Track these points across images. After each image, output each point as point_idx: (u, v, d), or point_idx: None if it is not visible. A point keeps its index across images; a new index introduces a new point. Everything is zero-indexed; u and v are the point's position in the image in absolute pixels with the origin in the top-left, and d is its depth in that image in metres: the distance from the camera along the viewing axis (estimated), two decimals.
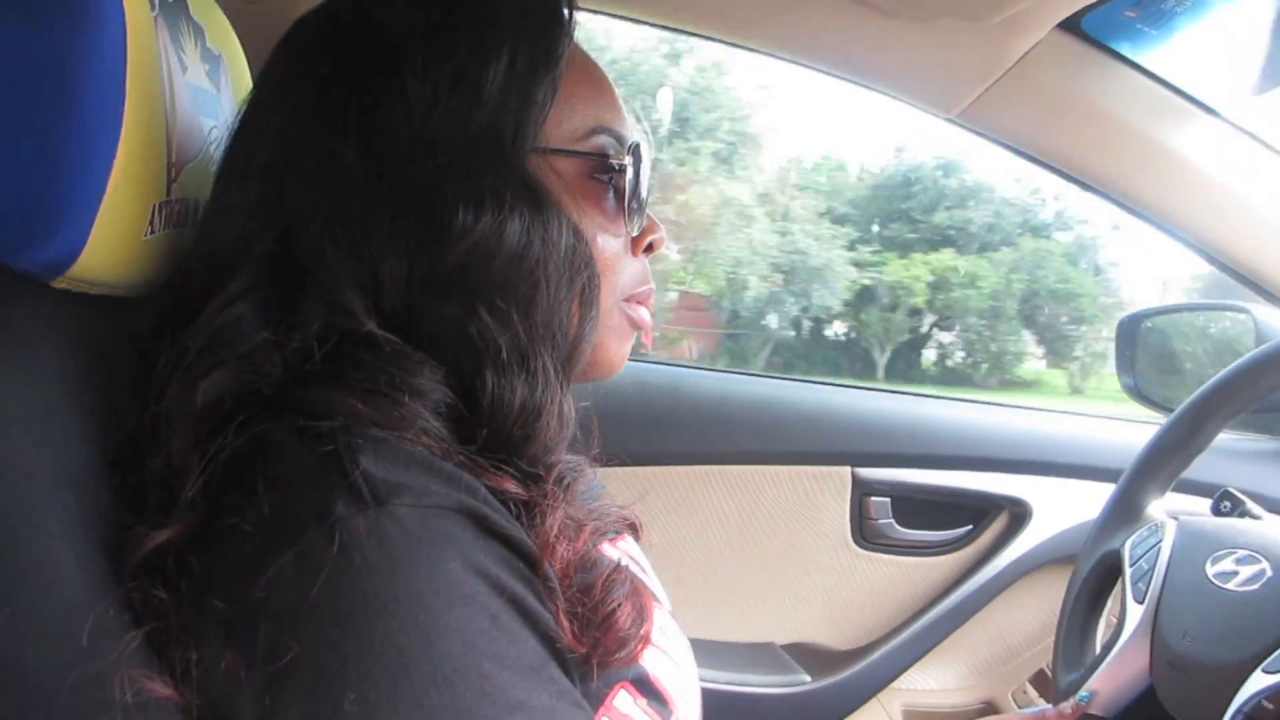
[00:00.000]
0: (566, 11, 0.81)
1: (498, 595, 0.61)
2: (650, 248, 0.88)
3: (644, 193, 0.83)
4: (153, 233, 0.76)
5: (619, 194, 0.82)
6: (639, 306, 0.87)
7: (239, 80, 0.96)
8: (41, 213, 0.66)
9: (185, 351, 0.69)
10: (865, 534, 1.93)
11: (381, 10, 0.78)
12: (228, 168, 0.78)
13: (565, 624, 0.67)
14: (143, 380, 0.70)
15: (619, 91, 0.86)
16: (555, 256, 0.75)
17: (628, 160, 0.82)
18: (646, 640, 0.75)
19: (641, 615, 0.75)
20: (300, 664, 0.55)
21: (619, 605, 0.73)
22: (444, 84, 0.74)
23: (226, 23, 0.96)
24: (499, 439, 0.72)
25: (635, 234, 0.85)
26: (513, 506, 0.69)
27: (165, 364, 0.69)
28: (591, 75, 0.84)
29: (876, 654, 1.91)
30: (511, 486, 0.70)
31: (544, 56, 0.77)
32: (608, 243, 0.82)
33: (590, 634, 0.70)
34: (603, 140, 0.82)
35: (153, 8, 0.74)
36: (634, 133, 0.85)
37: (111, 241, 0.70)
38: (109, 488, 0.69)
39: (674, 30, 1.62)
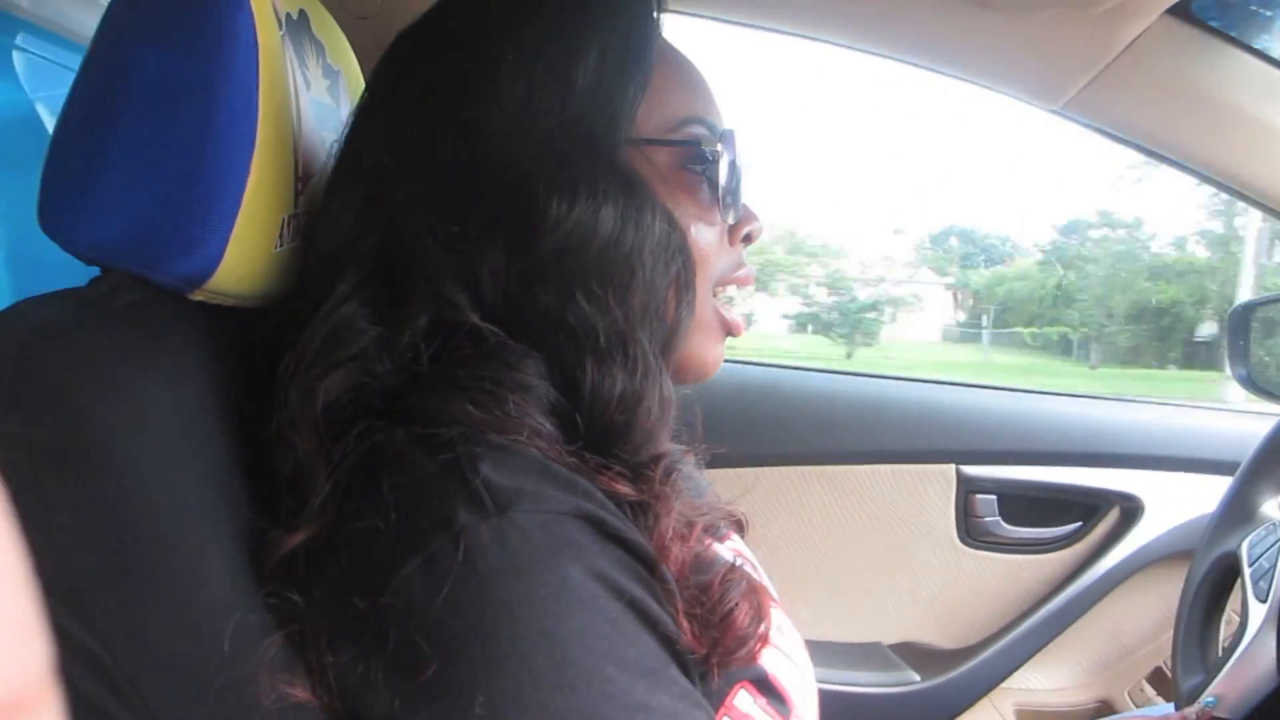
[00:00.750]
0: (656, 9, 0.82)
1: (617, 599, 0.62)
2: (748, 238, 0.88)
3: (739, 182, 0.83)
4: (282, 245, 0.78)
5: (713, 184, 0.82)
6: (731, 311, 0.87)
7: (356, 94, 0.98)
8: (182, 228, 0.69)
9: (303, 355, 0.71)
10: (971, 532, 1.92)
11: (476, 12, 0.80)
12: (336, 174, 0.80)
13: (685, 624, 0.67)
14: (269, 388, 0.72)
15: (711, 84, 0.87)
16: (650, 242, 0.75)
17: (720, 149, 0.82)
18: (765, 639, 0.75)
19: (759, 614, 0.75)
20: (429, 669, 0.57)
21: (736, 604, 0.73)
22: (537, 78, 0.75)
23: (344, 39, 0.98)
24: (602, 427, 0.73)
25: (732, 223, 0.86)
26: (626, 508, 0.70)
27: (285, 368, 0.71)
28: (681, 68, 0.85)
29: (986, 653, 1.88)
30: (624, 488, 0.70)
31: (634, 50, 0.78)
32: (702, 232, 0.82)
33: (709, 634, 0.70)
34: (695, 130, 0.82)
35: (280, 27, 0.77)
36: (728, 123, 0.85)
37: (245, 254, 0.73)
38: (247, 491, 0.71)
39: (771, 31, 1.60)
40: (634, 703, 0.59)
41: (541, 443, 0.68)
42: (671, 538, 0.71)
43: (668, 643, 0.64)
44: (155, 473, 0.65)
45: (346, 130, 0.82)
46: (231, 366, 0.75)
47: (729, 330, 0.87)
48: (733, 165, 0.82)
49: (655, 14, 0.82)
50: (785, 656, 0.83)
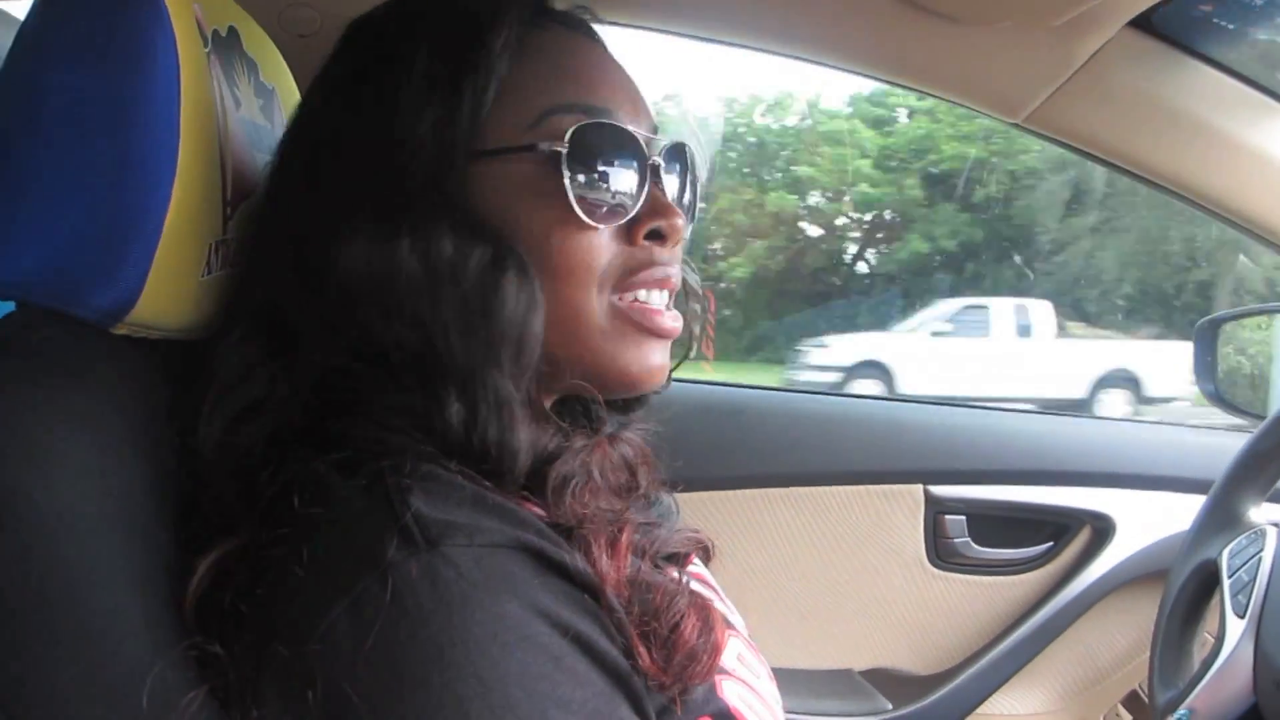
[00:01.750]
0: (498, 12, 0.76)
1: (560, 635, 0.59)
2: (655, 235, 0.79)
3: (613, 177, 0.76)
4: (210, 273, 0.75)
5: (578, 182, 0.74)
6: (648, 312, 0.79)
7: None
8: (99, 258, 0.66)
9: (200, 402, 0.69)
10: (941, 554, 1.89)
11: (346, 49, 0.80)
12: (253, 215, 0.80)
13: (643, 651, 0.65)
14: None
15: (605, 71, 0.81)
16: (471, 266, 0.70)
17: (566, 144, 0.74)
18: (718, 651, 0.72)
19: (708, 624, 0.72)
20: (359, 717, 0.54)
21: (682, 617, 0.70)
22: (366, 105, 0.73)
23: (279, 57, 0.96)
24: (473, 460, 0.68)
25: (621, 223, 0.77)
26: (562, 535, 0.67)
27: (183, 408, 0.70)
28: (553, 57, 0.78)
29: (959, 678, 1.85)
30: (538, 509, 0.68)
31: (468, 57, 0.73)
32: (571, 237, 0.75)
33: (661, 653, 0.67)
34: (561, 119, 0.75)
35: (205, 44, 0.74)
36: (617, 115, 0.78)
37: (169, 284, 0.69)
38: (170, 535, 0.68)
39: (728, 45, 1.59)
40: None
41: (469, 469, 0.65)
42: (603, 556, 0.68)
43: (618, 679, 0.62)
44: (63, 526, 0.61)
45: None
46: (154, 404, 0.72)
47: (652, 331, 0.80)
48: (600, 157, 0.75)
49: (497, 17, 0.76)
50: (748, 689, 0.79)
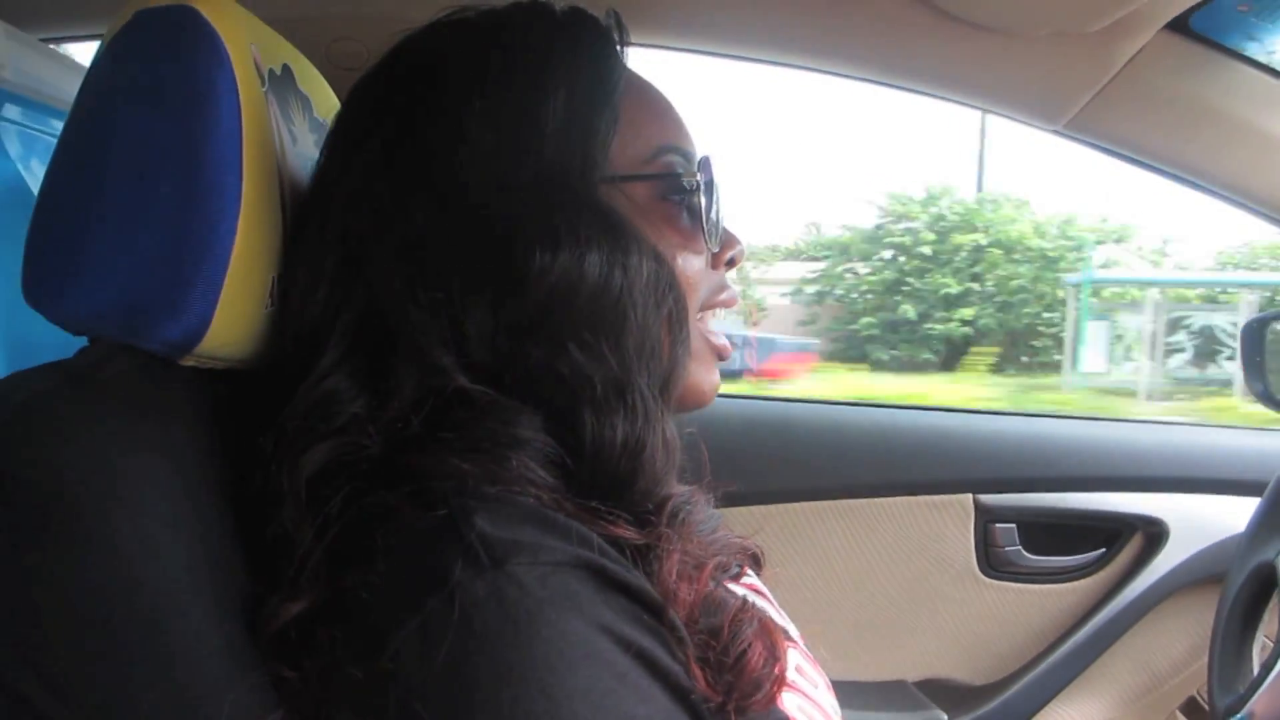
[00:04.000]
0: (619, 42, 0.82)
1: (624, 651, 0.59)
2: (731, 262, 0.88)
3: (720, 208, 0.83)
4: (272, 305, 0.76)
5: (694, 213, 0.81)
6: (719, 335, 0.86)
7: None
8: (169, 293, 0.67)
9: (284, 430, 0.69)
10: (992, 563, 1.88)
11: (435, 60, 0.78)
12: (303, 238, 0.77)
13: (697, 672, 0.65)
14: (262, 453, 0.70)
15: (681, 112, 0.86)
16: (639, 283, 0.74)
17: (699, 177, 0.81)
18: (782, 680, 0.72)
19: (774, 654, 0.72)
20: None
21: (749, 645, 0.70)
22: (505, 124, 0.74)
23: (330, 91, 0.97)
24: (605, 477, 0.71)
25: (716, 250, 0.85)
26: (629, 553, 0.68)
27: (266, 441, 0.69)
28: (650, 98, 0.84)
29: (1014, 688, 1.84)
30: (626, 533, 0.68)
31: (601, 87, 0.77)
32: (689, 262, 0.81)
33: (723, 679, 0.67)
34: (670, 159, 0.81)
35: (263, 83, 0.75)
36: (702, 149, 0.85)
37: (235, 316, 0.71)
38: (243, 561, 0.69)
39: (761, 62, 1.60)
40: None
41: (537, 491, 0.66)
42: (678, 580, 0.69)
43: (680, 695, 0.62)
44: (143, 551, 0.63)
45: (308, 191, 0.80)
46: (226, 431, 0.73)
47: (719, 354, 0.87)
48: (712, 191, 0.82)
49: (619, 47, 0.82)
50: (808, 699, 0.80)
